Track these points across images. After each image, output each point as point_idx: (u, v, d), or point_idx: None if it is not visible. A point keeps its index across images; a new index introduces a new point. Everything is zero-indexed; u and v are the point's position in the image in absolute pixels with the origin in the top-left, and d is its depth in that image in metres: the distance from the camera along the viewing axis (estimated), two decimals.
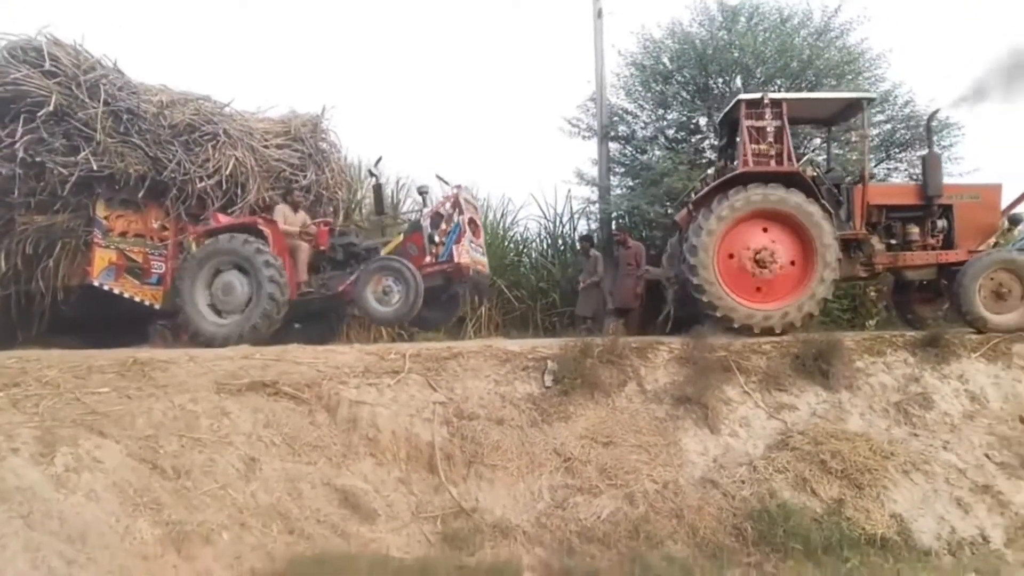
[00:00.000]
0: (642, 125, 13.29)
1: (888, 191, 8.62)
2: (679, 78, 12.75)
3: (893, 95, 13.33)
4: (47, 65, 8.58)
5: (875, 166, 13.70)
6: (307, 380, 5.81)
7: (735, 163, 8.56)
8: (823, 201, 7.70)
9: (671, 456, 5.79)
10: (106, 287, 8.77)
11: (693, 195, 8.99)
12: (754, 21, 12.60)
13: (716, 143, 9.21)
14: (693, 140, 13.18)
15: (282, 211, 9.04)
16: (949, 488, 5.57)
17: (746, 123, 7.96)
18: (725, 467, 5.72)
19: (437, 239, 8.35)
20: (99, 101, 8.64)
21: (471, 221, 8.70)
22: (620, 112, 13.36)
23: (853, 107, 8.62)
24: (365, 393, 5.77)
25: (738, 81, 12.45)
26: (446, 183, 8.89)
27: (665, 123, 13.03)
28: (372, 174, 9.46)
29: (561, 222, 14.09)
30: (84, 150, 8.46)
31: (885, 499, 5.37)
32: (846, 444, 5.71)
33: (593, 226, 13.38)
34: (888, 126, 13.51)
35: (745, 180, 7.67)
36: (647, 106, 13.21)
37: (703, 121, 12.93)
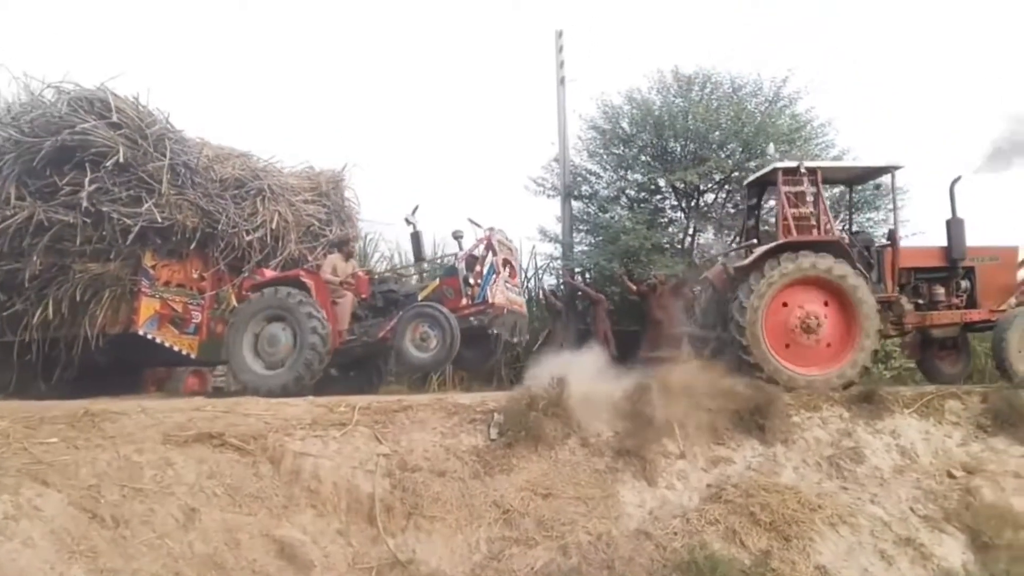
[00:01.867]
0: (604, 185, 13.81)
1: (917, 254, 8.97)
2: (639, 142, 13.32)
3: (840, 160, 13.95)
4: (113, 117, 8.81)
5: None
6: (254, 432, 5.92)
7: (765, 227, 9.08)
8: (858, 266, 8.04)
9: (608, 508, 5.93)
10: (149, 336, 8.94)
11: (723, 255, 9.41)
12: (707, 90, 13.25)
13: (743, 204, 9.79)
14: (654, 200, 13.69)
15: (333, 261, 9.21)
16: (874, 540, 5.75)
17: (784, 189, 8.30)
18: (660, 519, 5.87)
19: (472, 281, 8.53)
20: (163, 154, 8.91)
21: (505, 262, 8.91)
22: (584, 172, 13.88)
23: (876, 172, 9.10)
24: (310, 445, 5.89)
25: (693, 146, 13.02)
26: (478, 226, 9.14)
27: (626, 183, 13.55)
28: (409, 222, 9.71)
29: (526, 277, 14.44)
30: (147, 202, 8.67)
31: (811, 551, 5.53)
32: (776, 497, 5.89)
33: (556, 281, 13.76)
34: (837, 190, 14.12)
35: (790, 247, 7.97)
36: (609, 167, 13.75)
37: (662, 182, 13.47)
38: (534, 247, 14.35)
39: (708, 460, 6.52)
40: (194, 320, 9.41)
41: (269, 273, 9.09)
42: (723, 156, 13.36)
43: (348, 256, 9.51)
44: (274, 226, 9.85)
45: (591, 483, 6.16)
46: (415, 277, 10.02)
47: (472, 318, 8.48)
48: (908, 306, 8.55)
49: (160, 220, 8.73)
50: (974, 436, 7.07)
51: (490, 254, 8.69)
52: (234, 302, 9.56)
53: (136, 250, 8.87)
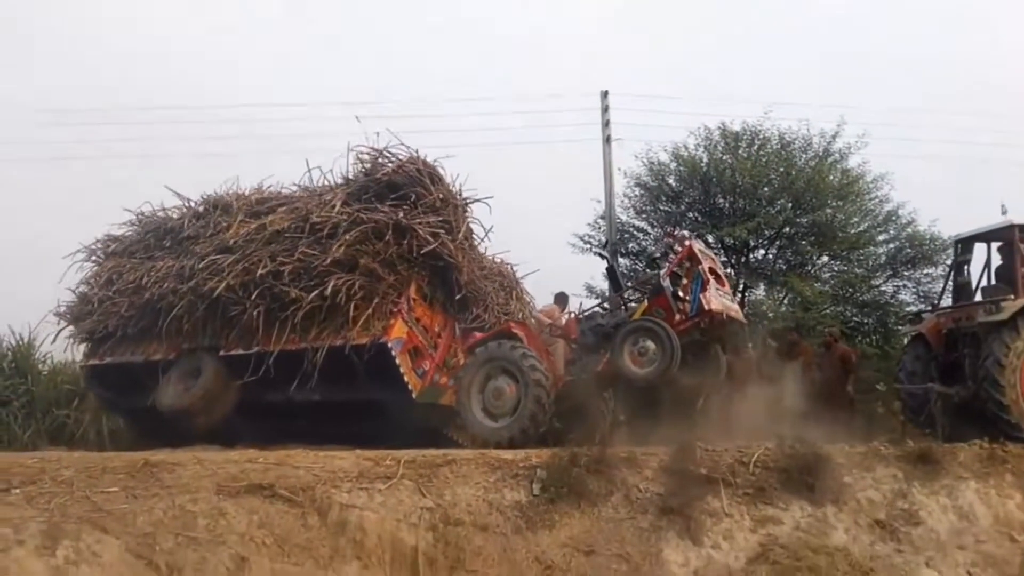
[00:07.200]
0: (652, 242, 13.91)
1: None
2: (686, 198, 13.45)
3: (896, 215, 13.79)
4: (440, 181, 10.07)
5: (883, 283, 14.03)
6: (303, 484, 6.09)
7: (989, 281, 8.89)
8: None
9: (652, 567, 5.87)
10: (393, 352, 9.42)
11: (934, 311, 9.22)
12: (755, 146, 13.35)
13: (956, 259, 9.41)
14: None
15: (551, 310, 9.58)
16: None
17: (1022, 247, 8.35)
18: None
19: (682, 295, 8.35)
20: (465, 216, 10.19)
21: (711, 270, 8.64)
22: (631, 229, 14.03)
23: None
24: (356, 497, 6.01)
25: (742, 202, 13.07)
26: (604, 257, 9.17)
27: (673, 240, 13.58)
28: (603, 257, 9.75)
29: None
30: (446, 237, 9.67)
31: None
32: (825, 559, 5.74)
33: None
34: (893, 245, 13.92)
35: None
36: (656, 224, 13.88)
37: (711, 238, 13.50)
38: (581, 304, 14.43)
39: (755, 520, 6.38)
40: (424, 365, 9.87)
41: (479, 335, 9.44)
42: (773, 212, 13.36)
43: (564, 305, 9.83)
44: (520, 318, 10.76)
45: (634, 541, 6.10)
46: (621, 308, 9.80)
47: (695, 332, 8.24)
48: None
49: (452, 251, 9.68)
50: None
51: (694, 264, 8.47)
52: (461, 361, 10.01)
53: (412, 276, 9.72)
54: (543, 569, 5.78)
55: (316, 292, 9.30)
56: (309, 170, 10.64)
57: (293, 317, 9.44)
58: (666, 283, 8.46)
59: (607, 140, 14.48)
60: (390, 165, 10.03)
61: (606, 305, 10.16)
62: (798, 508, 6.50)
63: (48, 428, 11.48)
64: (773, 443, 7.12)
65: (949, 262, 13.19)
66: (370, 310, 9.40)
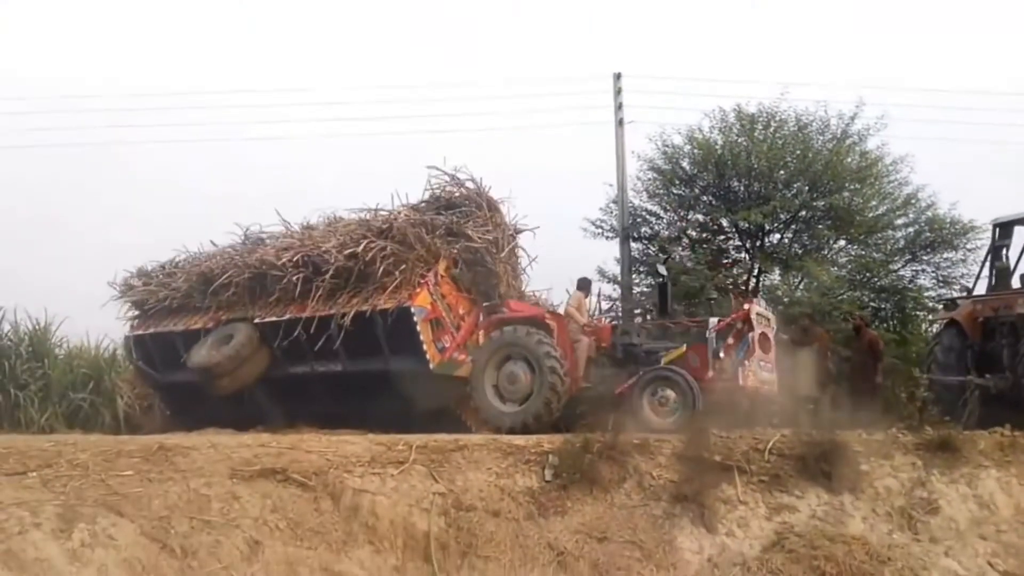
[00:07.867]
0: (665, 226, 13.78)
1: None
2: (700, 182, 13.29)
3: (916, 198, 13.59)
4: (496, 209, 10.93)
5: (901, 267, 13.86)
6: (315, 468, 6.08)
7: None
8: None
9: (665, 554, 5.83)
10: (415, 319, 9.71)
11: (970, 297, 9.02)
12: (771, 128, 13.14)
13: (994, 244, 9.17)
14: (716, 240, 13.57)
15: (579, 298, 9.48)
16: None
17: None
18: (719, 567, 5.74)
19: (722, 354, 8.17)
20: (511, 239, 10.93)
21: (762, 336, 8.40)
22: (643, 214, 13.89)
23: None
24: (368, 482, 6.01)
25: (757, 185, 12.91)
26: (661, 274, 9.37)
27: (687, 224, 13.50)
28: (659, 273, 9.65)
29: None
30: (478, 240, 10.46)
31: None
32: (842, 548, 5.68)
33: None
34: (912, 228, 13.72)
35: None
36: (669, 208, 13.73)
37: (725, 222, 13.36)
38: (600, 290, 14.36)
39: (770, 507, 6.33)
40: (445, 340, 10.09)
41: (516, 306, 9.54)
42: (789, 195, 13.19)
43: (588, 292, 9.87)
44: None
45: (648, 528, 6.07)
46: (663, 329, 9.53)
47: (717, 394, 8.01)
48: None
49: (494, 260, 10.40)
50: None
51: (747, 328, 8.25)
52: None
53: (443, 253, 10.21)
54: (555, 555, 5.75)
55: (349, 251, 9.76)
56: (393, 209, 11.20)
57: (325, 281, 9.84)
58: (711, 336, 8.26)
59: (620, 123, 14.33)
60: (452, 187, 10.94)
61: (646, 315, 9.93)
62: (814, 496, 6.44)
63: (64, 412, 11.60)
64: (789, 430, 7.08)
65: (971, 246, 13.16)
66: (398, 277, 9.70)
